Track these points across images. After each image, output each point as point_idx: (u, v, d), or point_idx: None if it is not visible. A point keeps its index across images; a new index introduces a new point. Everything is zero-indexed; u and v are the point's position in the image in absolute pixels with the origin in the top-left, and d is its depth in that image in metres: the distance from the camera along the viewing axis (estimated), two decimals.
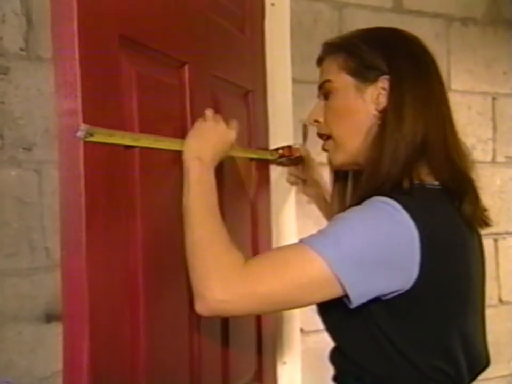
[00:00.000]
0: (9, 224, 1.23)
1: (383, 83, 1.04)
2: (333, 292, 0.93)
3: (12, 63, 1.25)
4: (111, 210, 0.94)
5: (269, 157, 1.53)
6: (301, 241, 0.96)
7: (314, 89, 2.09)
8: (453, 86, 2.27)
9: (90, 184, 0.89)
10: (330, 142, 1.11)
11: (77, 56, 0.87)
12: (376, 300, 0.95)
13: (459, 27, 2.32)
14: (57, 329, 0.96)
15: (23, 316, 1.21)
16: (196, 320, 1.20)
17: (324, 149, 1.14)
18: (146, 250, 1.03)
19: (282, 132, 1.68)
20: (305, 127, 1.58)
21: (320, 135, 1.14)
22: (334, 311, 1.00)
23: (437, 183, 1.03)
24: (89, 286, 0.87)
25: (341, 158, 1.09)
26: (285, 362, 1.68)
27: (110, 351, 0.92)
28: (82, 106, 0.88)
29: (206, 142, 1.09)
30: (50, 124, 1.03)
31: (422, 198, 0.99)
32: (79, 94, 0.87)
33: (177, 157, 1.10)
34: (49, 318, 1.23)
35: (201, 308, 0.94)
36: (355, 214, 0.97)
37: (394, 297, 0.95)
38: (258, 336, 1.52)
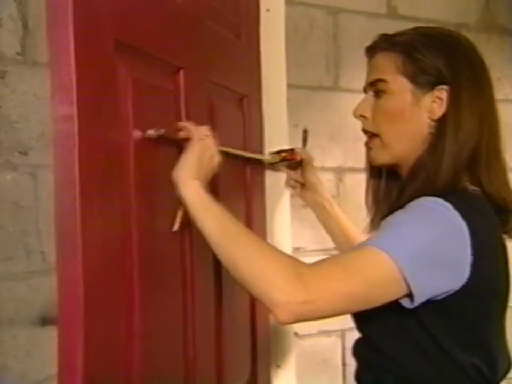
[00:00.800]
0: (4, 228, 1.24)
1: (440, 93, 1.05)
2: (399, 291, 0.94)
3: (9, 67, 1.26)
4: (106, 215, 0.94)
5: (269, 159, 1.52)
6: (361, 245, 0.97)
7: (310, 94, 2.11)
8: None
9: (85, 188, 0.89)
10: (376, 141, 1.10)
11: (72, 61, 0.88)
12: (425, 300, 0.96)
13: None
14: (52, 333, 0.97)
15: (18, 320, 1.22)
16: (190, 323, 1.20)
17: (368, 146, 1.13)
18: (142, 255, 1.03)
19: (277, 136, 1.69)
20: (305, 132, 1.57)
21: (365, 131, 1.13)
22: (374, 309, 0.99)
23: (477, 188, 1.06)
24: (84, 290, 0.88)
25: (385, 158, 1.10)
26: (279, 366, 1.68)
27: (104, 355, 0.92)
28: (78, 112, 0.88)
29: (199, 160, 1.06)
30: (46, 128, 1.04)
31: (468, 199, 1.02)
32: (74, 99, 0.88)
33: (173, 162, 1.10)
34: (45, 321, 1.24)
35: (283, 315, 0.89)
36: (410, 215, 0.98)
37: (444, 297, 0.97)
38: (252, 339, 1.53)
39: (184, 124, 1.11)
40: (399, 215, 0.99)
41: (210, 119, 1.33)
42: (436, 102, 1.05)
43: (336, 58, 2.11)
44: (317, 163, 2.05)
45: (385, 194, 1.16)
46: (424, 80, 1.05)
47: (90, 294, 0.89)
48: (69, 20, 0.88)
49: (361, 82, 1.19)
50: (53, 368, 0.90)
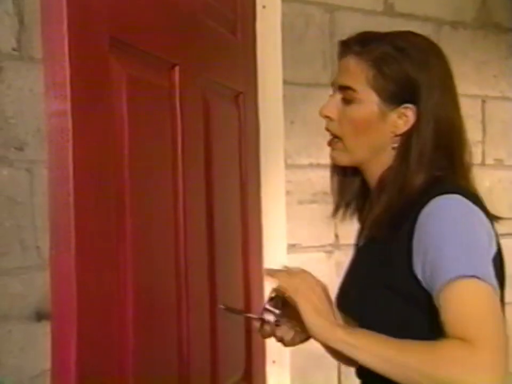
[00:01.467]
0: (0, 223, 1.24)
1: (407, 110, 1.06)
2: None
3: (4, 63, 1.26)
4: (101, 210, 0.95)
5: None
6: (450, 278, 0.94)
7: (305, 91, 2.10)
8: None
9: (79, 184, 0.90)
10: (339, 143, 1.12)
11: (66, 57, 0.88)
12: None
13: (449, 31, 2.34)
14: (47, 328, 0.97)
15: (13, 315, 1.22)
16: (184, 319, 1.21)
17: (331, 146, 1.15)
18: (136, 250, 1.04)
19: (273, 133, 1.69)
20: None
21: (328, 131, 1.14)
22: (401, 308, 1.03)
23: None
24: (77, 285, 0.88)
25: (346, 161, 1.13)
26: (274, 362, 1.69)
27: (98, 350, 0.93)
28: (72, 108, 0.89)
29: (314, 306, 0.99)
30: (42, 124, 1.04)
31: (467, 190, 1.06)
32: (68, 95, 0.88)
33: (167, 158, 1.11)
34: (40, 316, 1.25)
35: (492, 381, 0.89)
36: (450, 223, 1.00)
37: None
38: (247, 335, 1.54)
39: (271, 273, 1.04)
40: (439, 228, 1.00)
41: (205, 116, 1.34)
42: (401, 119, 1.07)
43: (333, 55, 2.09)
44: (312, 160, 2.06)
45: (348, 186, 1.19)
46: (392, 96, 1.06)
47: (83, 289, 0.90)
48: (63, 16, 0.89)
49: None
50: (48, 363, 0.91)
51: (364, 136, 1.08)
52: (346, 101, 1.09)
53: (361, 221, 1.18)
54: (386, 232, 1.05)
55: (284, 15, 1.88)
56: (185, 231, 1.22)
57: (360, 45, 1.08)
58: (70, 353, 0.89)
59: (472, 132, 2.32)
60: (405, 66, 1.05)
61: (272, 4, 1.77)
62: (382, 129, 1.08)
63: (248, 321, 1.50)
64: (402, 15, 2.23)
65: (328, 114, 1.12)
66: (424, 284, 0.99)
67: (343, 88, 1.09)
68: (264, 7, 1.75)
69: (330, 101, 1.12)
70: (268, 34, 1.75)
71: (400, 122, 1.07)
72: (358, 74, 1.07)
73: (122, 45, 1.04)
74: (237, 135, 1.53)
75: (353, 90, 1.07)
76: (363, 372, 1.13)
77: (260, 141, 1.66)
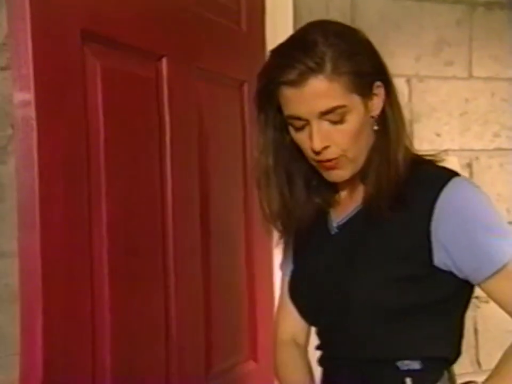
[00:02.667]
0: None
1: (378, 90, 1.05)
2: None
3: None
4: (69, 195, 1.00)
5: None
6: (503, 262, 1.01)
7: None
8: (475, 73, 2.21)
9: (44, 170, 0.95)
10: (342, 159, 1.05)
11: (29, 50, 0.93)
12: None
13: (483, 12, 2.25)
14: None
15: None
16: (173, 294, 1.24)
17: (332, 168, 1.06)
18: (110, 232, 1.08)
19: None
20: None
21: (326, 160, 1.05)
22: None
23: None
24: (42, 266, 0.94)
25: (353, 171, 1.08)
26: None
27: (66, 330, 0.98)
28: (36, 98, 0.94)
29: None
30: None
31: None
32: (32, 86, 0.93)
33: (142, 143, 1.14)
34: None
35: None
36: (480, 209, 1.04)
37: None
38: (251, 312, 1.56)
39: None
40: (473, 211, 1.04)
41: (198, 105, 1.37)
42: (375, 100, 1.05)
43: None
44: None
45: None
46: (366, 86, 1.04)
47: (48, 269, 0.95)
48: (26, 9, 0.94)
49: None
50: None
51: (363, 138, 1.06)
52: (338, 121, 1.03)
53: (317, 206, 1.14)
54: (385, 213, 1.03)
55: (302, 1, 1.88)
56: (174, 224, 1.26)
57: (309, 59, 0.99)
58: (37, 333, 0.94)
59: (507, 116, 2.25)
60: (361, 49, 1.03)
61: None
62: (368, 120, 1.06)
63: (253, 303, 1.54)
64: None
65: (324, 144, 1.03)
66: (454, 270, 1.02)
67: (327, 112, 1.01)
68: None
69: (317, 132, 1.02)
70: (278, 23, 1.75)
71: (375, 102, 1.06)
72: (336, 89, 1.00)
73: (98, 37, 1.08)
74: (239, 124, 1.55)
75: (343, 106, 1.01)
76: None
77: None
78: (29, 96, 0.94)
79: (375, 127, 1.07)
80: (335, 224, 1.13)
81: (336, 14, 2.05)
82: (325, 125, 1.02)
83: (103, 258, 1.07)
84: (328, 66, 0.99)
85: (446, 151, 2.09)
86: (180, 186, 1.28)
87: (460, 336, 1.11)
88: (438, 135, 2.17)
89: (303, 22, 1.82)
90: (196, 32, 1.37)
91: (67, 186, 1.00)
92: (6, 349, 1.30)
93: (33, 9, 0.94)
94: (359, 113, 1.03)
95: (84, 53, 1.05)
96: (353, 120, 1.03)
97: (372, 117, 1.07)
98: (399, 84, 2.13)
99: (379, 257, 1.05)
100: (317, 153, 1.04)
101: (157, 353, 1.21)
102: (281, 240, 1.18)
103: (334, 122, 1.02)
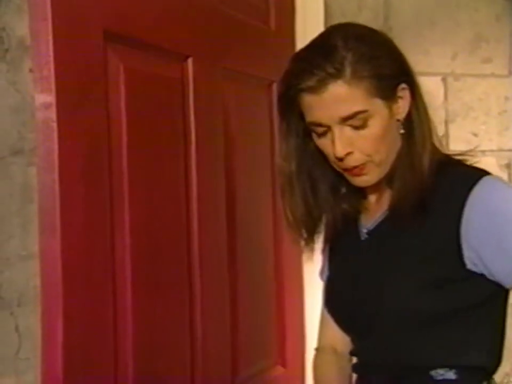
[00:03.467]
0: None
1: (403, 93, 1.03)
2: None
3: None
4: (91, 199, 0.99)
5: None
6: None
7: None
8: None
9: (65, 173, 0.94)
10: (369, 165, 1.03)
11: (51, 52, 0.93)
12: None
13: None
14: None
15: None
16: (198, 299, 1.22)
17: (360, 174, 1.04)
18: (133, 236, 1.07)
19: None
20: None
21: (350, 167, 1.04)
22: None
23: None
24: (63, 269, 0.93)
25: (379, 176, 1.05)
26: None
27: (87, 332, 0.97)
28: (57, 100, 0.93)
29: None
30: None
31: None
32: (53, 88, 0.93)
33: (167, 146, 1.13)
34: None
35: None
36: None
37: None
38: (279, 318, 1.53)
39: None
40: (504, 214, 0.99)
41: (224, 106, 1.35)
42: (400, 103, 1.03)
43: None
44: None
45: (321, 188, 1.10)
46: (389, 88, 1.01)
47: (69, 273, 0.94)
48: (47, 10, 0.93)
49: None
50: None
51: (387, 142, 1.03)
52: (360, 126, 1.00)
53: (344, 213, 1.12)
54: (412, 218, 1.00)
55: (333, 0, 1.84)
56: (200, 228, 1.24)
57: (329, 64, 0.97)
58: (57, 334, 0.93)
59: None
60: (382, 52, 1.00)
61: None
62: (393, 124, 1.03)
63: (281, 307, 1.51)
64: None
65: (347, 150, 1.01)
66: (485, 273, 0.98)
67: (349, 117, 0.99)
68: None
69: (339, 138, 1.00)
70: (309, 22, 1.72)
71: (401, 105, 1.03)
72: (357, 94, 0.98)
73: (121, 38, 1.07)
74: (268, 125, 1.53)
75: (365, 111, 0.99)
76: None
77: None
78: (50, 98, 0.93)
79: (401, 131, 1.04)
80: (364, 230, 1.10)
81: (369, 12, 2.01)
82: (347, 130, 1.00)
83: (125, 262, 1.05)
84: (347, 71, 0.97)
85: (483, 151, 2.04)
86: (205, 189, 1.26)
87: (500, 344, 1.06)
88: (475, 135, 2.10)
89: (334, 21, 1.80)
90: (223, 32, 1.35)
91: (88, 190, 0.99)
92: (34, 350, 1.31)
93: (55, 10, 0.94)
94: (383, 117, 1.01)
95: (106, 54, 1.04)
96: (376, 125, 1.00)
97: (398, 120, 1.04)
98: (434, 83, 2.09)
99: (409, 262, 1.02)
100: (340, 159, 1.02)
101: (181, 358, 1.19)
102: (308, 247, 1.14)
103: (356, 128, 1.00)
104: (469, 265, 0.98)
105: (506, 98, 2.13)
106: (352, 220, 1.13)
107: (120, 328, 1.04)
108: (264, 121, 1.53)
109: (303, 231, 1.10)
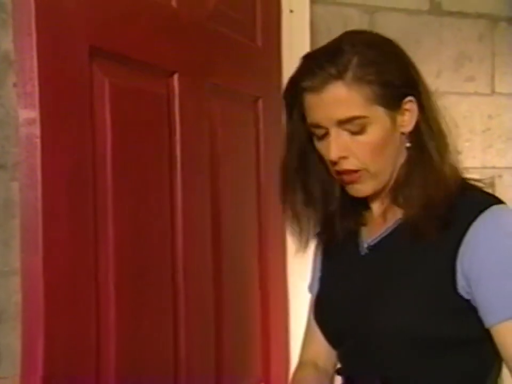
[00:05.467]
0: None
1: (409, 105, 1.01)
2: None
3: None
4: (74, 216, 0.97)
5: None
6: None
7: None
8: (497, 89, 2.16)
9: (48, 190, 0.93)
10: (364, 173, 1.01)
11: (35, 67, 0.92)
12: None
13: (506, 27, 2.20)
14: None
15: None
16: (182, 317, 1.20)
17: (352, 182, 1.03)
18: (117, 252, 1.05)
19: None
20: None
21: (346, 171, 1.02)
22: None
23: None
24: (45, 287, 0.91)
25: (374, 187, 1.04)
26: None
27: (68, 352, 0.95)
28: (41, 116, 0.92)
29: None
30: None
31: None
32: (37, 104, 0.92)
33: (152, 162, 1.12)
34: None
35: None
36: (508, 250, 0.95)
37: None
38: (264, 337, 1.52)
39: None
40: (502, 257, 0.95)
41: (210, 122, 1.34)
42: (406, 115, 1.02)
43: None
44: None
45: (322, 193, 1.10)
46: (393, 98, 1.00)
47: (51, 291, 0.92)
48: (32, 27, 0.92)
49: None
50: None
51: (386, 153, 1.01)
52: (357, 132, 0.99)
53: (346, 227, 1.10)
54: (430, 235, 0.98)
55: (321, 18, 1.85)
56: (184, 244, 1.23)
57: (331, 67, 0.97)
58: (38, 353, 0.91)
59: None
60: (389, 60, 1.00)
61: (300, 8, 1.75)
62: (396, 136, 1.02)
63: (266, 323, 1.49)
64: (450, 13, 2.13)
65: (342, 154, 0.99)
66: (470, 299, 0.95)
67: (346, 121, 0.98)
68: (291, 11, 1.73)
69: (334, 141, 0.99)
70: (296, 39, 1.72)
71: (407, 119, 1.01)
72: (355, 98, 0.97)
73: (106, 53, 1.06)
74: (253, 137, 1.52)
75: (363, 117, 0.98)
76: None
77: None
78: (34, 114, 0.92)
79: (407, 144, 1.03)
80: (365, 245, 1.07)
81: None
82: (344, 135, 0.99)
83: (109, 280, 1.04)
84: (349, 74, 0.97)
85: (466, 168, 2.05)
86: (190, 205, 1.25)
87: (496, 376, 1.03)
88: (459, 152, 2.12)
89: (320, 39, 1.81)
90: (209, 47, 1.35)
91: (72, 207, 0.97)
92: (14, 368, 1.28)
93: (39, 25, 0.92)
94: (383, 126, 0.99)
95: (92, 69, 1.03)
96: (374, 133, 0.99)
97: (403, 133, 1.03)
98: None
99: (409, 283, 0.99)
100: (335, 163, 1.00)
101: (165, 376, 1.17)
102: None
103: (354, 133, 0.99)
104: (462, 292, 0.95)
105: (490, 117, 2.16)
106: (352, 233, 1.10)
107: (103, 347, 1.02)
108: (250, 137, 1.52)
109: (310, 238, 1.11)
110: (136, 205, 1.12)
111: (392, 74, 1.00)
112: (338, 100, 0.97)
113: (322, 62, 0.98)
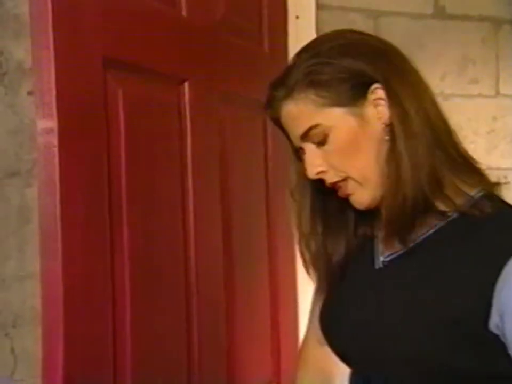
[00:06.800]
0: None
1: (377, 93, 0.92)
2: None
3: None
4: (91, 222, 1.00)
5: None
6: None
7: None
8: (502, 91, 2.18)
9: (66, 197, 0.96)
10: (351, 183, 0.94)
11: (53, 79, 0.95)
12: None
13: (510, 30, 2.23)
14: None
15: None
16: (195, 320, 1.23)
17: (346, 194, 0.96)
18: (132, 257, 1.08)
19: None
20: None
21: (332, 184, 0.96)
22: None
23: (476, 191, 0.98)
24: (64, 292, 0.94)
25: (369, 195, 0.95)
26: None
27: (87, 354, 0.98)
28: (58, 126, 0.95)
29: None
30: None
31: None
32: (55, 113, 0.95)
33: (164, 168, 1.14)
34: None
35: None
36: None
37: None
38: (274, 337, 1.54)
39: None
40: None
41: (220, 128, 1.37)
42: (379, 105, 0.92)
43: None
44: None
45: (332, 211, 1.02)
46: (350, 94, 0.92)
47: (70, 296, 0.95)
48: (49, 40, 0.95)
49: None
50: None
51: (362, 153, 0.93)
52: (321, 142, 0.93)
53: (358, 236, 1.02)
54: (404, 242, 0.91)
55: (324, 23, 1.88)
56: (197, 248, 1.26)
57: (280, 89, 0.95)
58: (58, 357, 0.94)
59: None
60: (337, 55, 0.92)
61: (307, 14, 1.77)
62: (371, 131, 0.92)
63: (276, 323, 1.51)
64: (454, 16, 2.15)
65: (319, 169, 0.94)
66: (499, 334, 0.86)
67: (305, 135, 0.93)
68: (297, 17, 1.75)
69: (307, 157, 0.94)
70: (302, 44, 1.74)
71: (381, 108, 0.92)
72: (304, 109, 0.92)
73: (119, 63, 1.09)
74: (261, 143, 1.55)
75: (317, 125, 0.92)
76: None
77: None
78: (52, 123, 0.95)
79: (386, 137, 0.92)
80: (381, 258, 0.99)
81: None
82: (313, 148, 0.94)
83: (125, 284, 1.07)
84: (296, 88, 0.93)
85: None
86: (202, 211, 1.28)
87: None
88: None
89: None
90: (217, 55, 1.38)
91: (89, 213, 1.00)
92: (30, 371, 1.31)
93: (57, 37, 0.96)
94: (347, 127, 0.92)
95: (106, 79, 1.06)
96: (337, 138, 0.92)
97: (384, 124, 0.92)
98: None
99: (429, 307, 0.90)
100: (322, 180, 0.95)
101: (178, 378, 1.20)
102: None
103: (319, 144, 0.93)
104: (493, 327, 0.86)
105: (494, 118, 2.18)
106: (368, 244, 1.02)
107: (120, 349, 1.05)
108: (259, 143, 1.55)
109: (320, 263, 1.03)
110: (149, 210, 1.14)
111: (340, 70, 0.92)
112: (291, 117, 0.95)
113: (277, 87, 0.97)
